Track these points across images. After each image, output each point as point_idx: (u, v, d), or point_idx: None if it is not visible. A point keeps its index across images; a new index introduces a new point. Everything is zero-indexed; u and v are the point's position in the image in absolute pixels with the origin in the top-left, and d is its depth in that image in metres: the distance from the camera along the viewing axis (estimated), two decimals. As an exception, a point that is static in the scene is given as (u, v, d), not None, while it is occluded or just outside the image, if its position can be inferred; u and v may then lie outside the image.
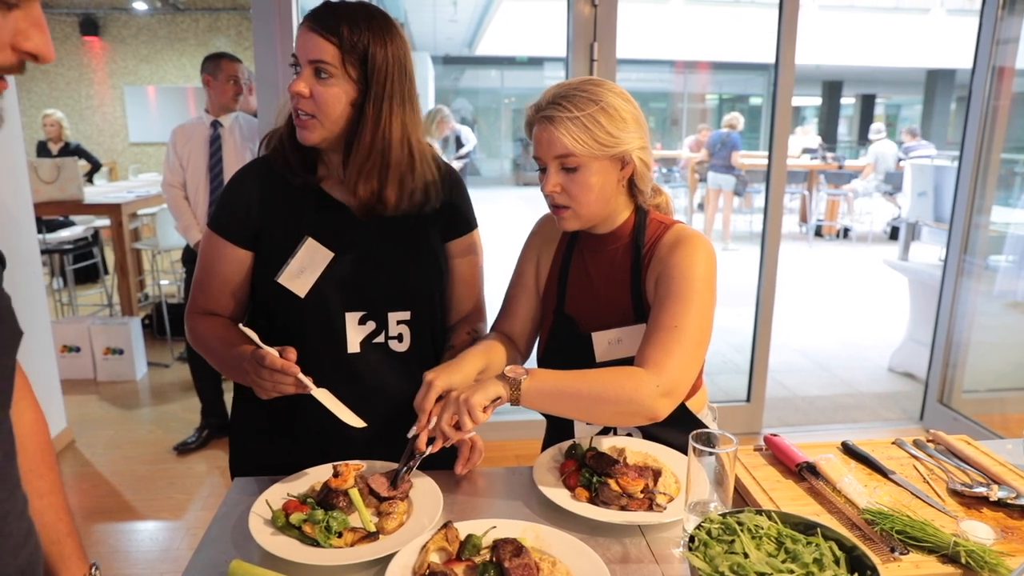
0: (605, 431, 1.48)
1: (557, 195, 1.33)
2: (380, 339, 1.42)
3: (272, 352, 1.20)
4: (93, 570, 1.03)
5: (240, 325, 1.25)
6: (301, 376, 1.21)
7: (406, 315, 1.43)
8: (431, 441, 1.25)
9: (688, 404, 1.42)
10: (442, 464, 1.38)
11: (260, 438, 1.49)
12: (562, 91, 1.31)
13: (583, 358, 1.42)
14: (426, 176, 1.39)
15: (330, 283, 1.36)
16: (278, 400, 1.37)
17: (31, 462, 1.00)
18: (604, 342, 1.42)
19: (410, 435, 1.27)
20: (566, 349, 1.26)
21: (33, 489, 0.98)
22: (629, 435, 1.47)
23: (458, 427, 1.22)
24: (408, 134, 1.34)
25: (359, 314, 1.39)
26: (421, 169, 1.37)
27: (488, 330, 1.58)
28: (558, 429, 1.52)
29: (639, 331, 1.36)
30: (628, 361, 1.31)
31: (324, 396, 1.26)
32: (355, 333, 1.39)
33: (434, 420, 1.24)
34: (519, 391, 1.22)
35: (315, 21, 1.26)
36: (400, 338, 1.44)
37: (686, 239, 1.34)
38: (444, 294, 1.54)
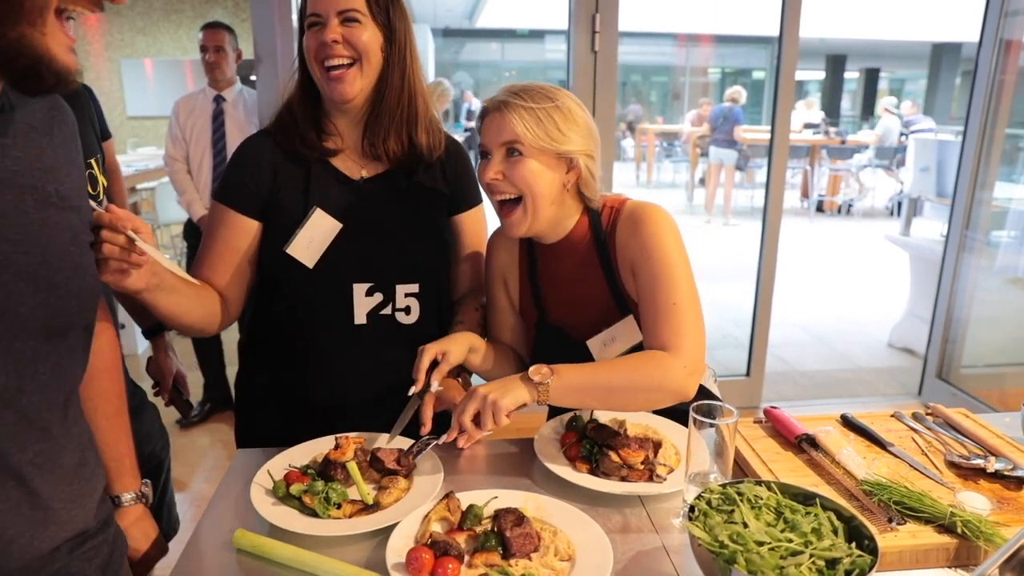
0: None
1: (499, 182, 1.31)
2: (387, 311, 1.42)
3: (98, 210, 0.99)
4: (143, 487, 1.19)
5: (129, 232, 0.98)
6: (132, 235, 0.97)
7: (414, 288, 1.43)
8: (440, 431, 1.27)
9: None
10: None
11: (266, 410, 1.50)
12: (519, 86, 1.32)
13: (575, 354, 1.40)
14: (440, 133, 1.45)
15: (338, 254, 1.36)
16: (284, 371, 1.39)
17: (100, 382, 1.08)
18: (599, 345, 1.41)
19: (409, 394, 1.28)
20: (561, 357, 1.27)
21: (100, 410, 1.08)
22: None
23: (478, 423, 1.23)
24: (424, 85, 1.38)
25: (366, 285, 1.39)
26: (436, 125, 1.43)
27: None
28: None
29: (629, 324, 1.37)
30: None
31: (160, 258, 1.11)
32: (362, 304, 1.39)
33: (434, 384, 1.26)
34: (548, 393, 1.22)
35: None
36: (408, 310, 1.44)
37: (642, 214, 1.34)
38: (449, 268, 1.54)
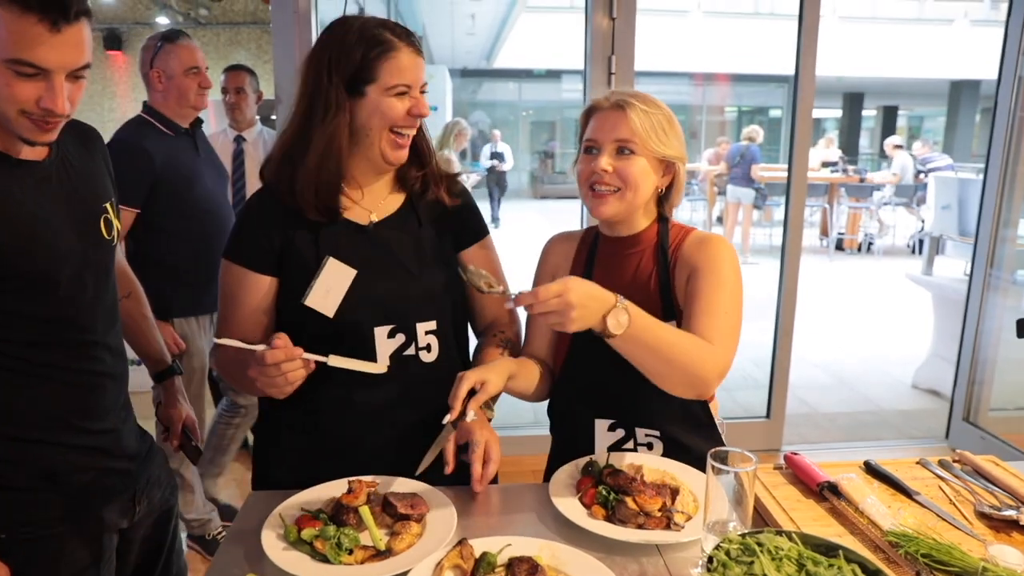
0: (620, 448, 1.46)
1: (607, 175, 1.39)
2: (411, 351, 1.42)
3: (263, 348, 1.18)
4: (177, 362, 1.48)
5: (216, 340, 1.23)
6: (307, 355, 1.18)
7: (432, 325, 1.43)
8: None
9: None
10: (456, 481, 1.37)
11: (285, 452, 1.48)
12: (631, 91, 1.43)
13: (615, 357, 1.38)
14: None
15: (357, 300, 1.36)
16: (305, 415, 1.40)
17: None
18: None
19: (444, 422, 1.24)
20: (598, 353, 1.25)
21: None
22: (650, 447, 1.45)
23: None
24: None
25: (388, 328, 1.39)
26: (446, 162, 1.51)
27: (519, 332, 1.59)
28: (567, 443, 1.52)
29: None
30: None
31: (338, 360, 1.25)
32: (384, 346, 1.39)
33: (470, 414, 1.23)
34: (627, 306, 1.19)
35: (414, 43, 1.36)
36: (429, 348, 1.43)
37: (712, 238, 1.43)
38: (460, 303, 1.53)
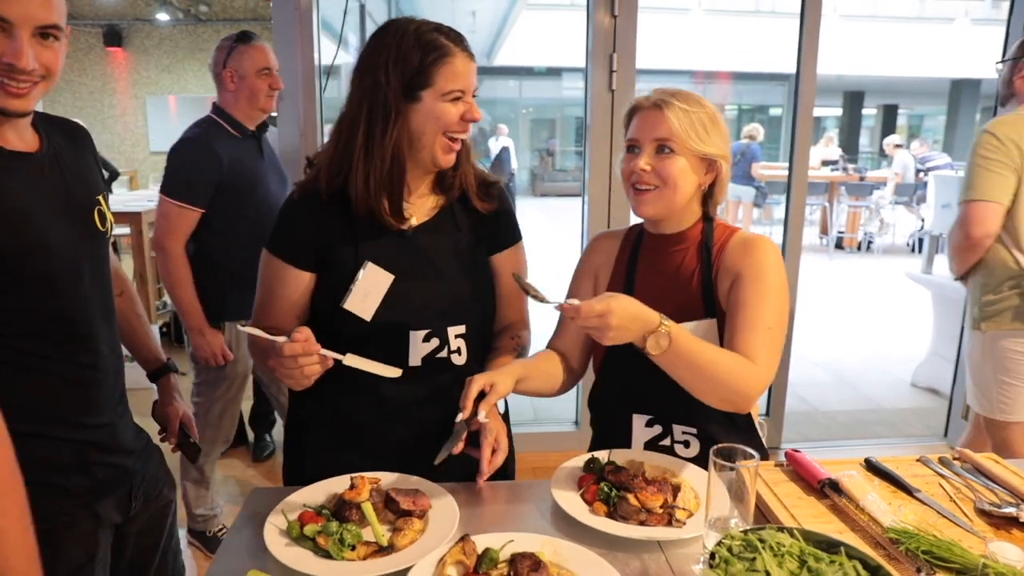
0: (657, 444, 1.47)
1: (646, 174, 1.39)
2: (443, 354, 1.44)
3: (284, 340, 1.20)
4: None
5: (239, 326, 1.24)
6: (324, 352, 1.20)
7: (462, 329, 1.46)
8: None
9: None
10: (460, 476, 1.38)
11: (315, 452, 1.50)
12: (672, 90, 1.42)
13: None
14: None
15: (394, 304, 1.38)
16: (336, 410, 1.44)
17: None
18: None
19: (457, 420, 1.26)
20: (631, 348, 1.28)
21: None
22: (686, 445, 1.46)
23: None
24: None
25: (423, 332, 1.41)
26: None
27: (530, 337, 1.61)
28: (605, 437, 1.54)
29: (710, 326, 1.40)
30: None
31: (353, 360, 1.26)
32: (418, 349, 1.42)
33: (481, 414, 1.25)
34: (670, 330, 1.23)
35: (468, 47, 1.36)
36: (459, 351, 1.46)
37: (757, 241, 1.42)
38: (491, 306, 1.56)
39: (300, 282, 1.42)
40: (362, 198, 1.35)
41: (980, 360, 2.40)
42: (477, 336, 1.50)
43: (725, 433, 1.42)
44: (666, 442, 1.47)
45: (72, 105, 10.50)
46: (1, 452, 0.89)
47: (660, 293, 1.44)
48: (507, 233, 1.56)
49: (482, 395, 1.27)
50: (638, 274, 1.52)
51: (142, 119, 10.93)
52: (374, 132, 1.33)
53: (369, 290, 1.36)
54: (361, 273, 1.36)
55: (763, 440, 1.48)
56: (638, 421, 1.48)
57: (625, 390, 1.50)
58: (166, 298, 6.07)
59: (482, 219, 1.51)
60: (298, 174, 2.79)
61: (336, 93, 3.15)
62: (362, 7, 4.98)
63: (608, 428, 1.56)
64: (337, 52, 3.34)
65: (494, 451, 1.34)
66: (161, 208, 2.46)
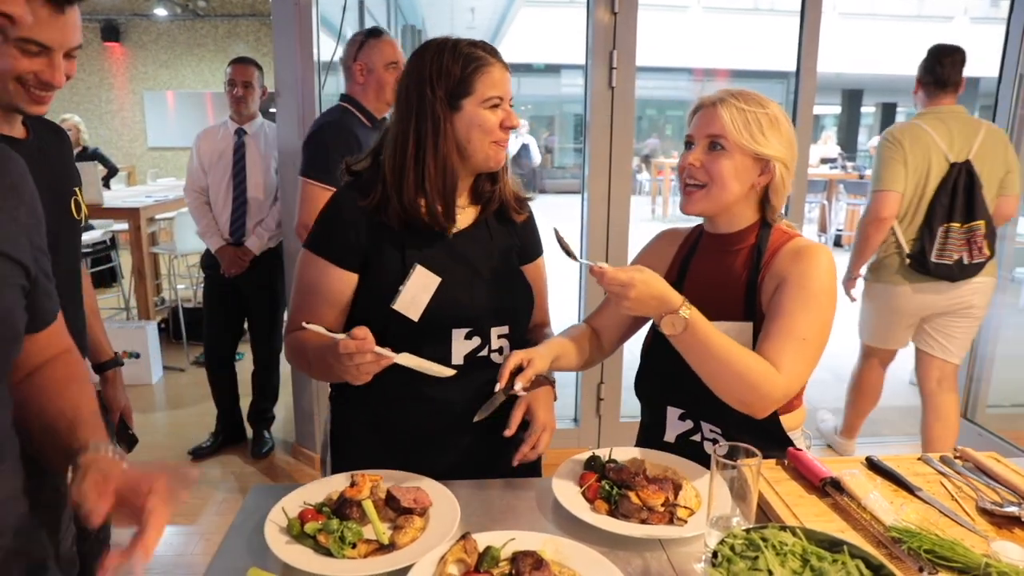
0: (688, 439, 1.48)
1: (695, 169, 1.40)
2: (484, 353, 1.48)
3: (343, 337, 1.22)
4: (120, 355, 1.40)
5: (304, 323, 1.26)
6: (379, 349, 1.22)
7: (505, 329, 1.51)
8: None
9: (783, 419, 1.41)
10: (462, 475, 1.38)
11: (357, 447, 1.54)
12: (737, 90, 1.41)
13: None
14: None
15: (439, 305, 1.42)
16: (379, 405, 1.49)
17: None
18: None
19: (496, 390, 1.32)
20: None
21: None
22: (714, 442, 1.44)
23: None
24: None
25: (465, 331, 1.45)
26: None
27: (553, 333, 1.63)
28: (646, 427, 1.57)
29: (744, 329, 1.39)
30: None
31: (407, 359, 1.27)
32: (460, 348, 1.46)
33: (517, 386, 1.30)
34: (689, 315, 1.25)
35: (502, 59, 1.42)
36: (500, 351, 1.50)
37: (810, 249, 1.39)
38: (530, 310, 1.61)
39: (343, 282, 1.44)
40: (413, 203, 1.40)
41: (869, 303, 3.27)
42: (519, 337, 1.55)
43: (752, 438, 1.38)
44: (696, 438, 1.47)
45: (69, 100, 10.46)
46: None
47: (705, 292, 1.44)
48: (534, 247, 1.64)
49: (520, 370, 1.32)
50: (690, 271, 1.53)
51: (140, 114, 10.90)
52: (424, 143, 1.39)
53: (417, 292, 1.41)
54: (411, 275, 1.40)
55: (803, 449, 1.46)
56: (672, 414, 1.49)
57: (662, 380, 1.50)
58: (164, 294, 6.07)
59: (513, 231, 1.57)
60: (297, 170, 2.77)
61: (335, 89, 3.14)
62: (361, 3, 4.97)
63: (648, 419, 1.57)
64: (336, 48, 3.33)
65: (534, 447, 1.37)
66: (304, 192, 2.49)
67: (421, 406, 1.47)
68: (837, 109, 19.08)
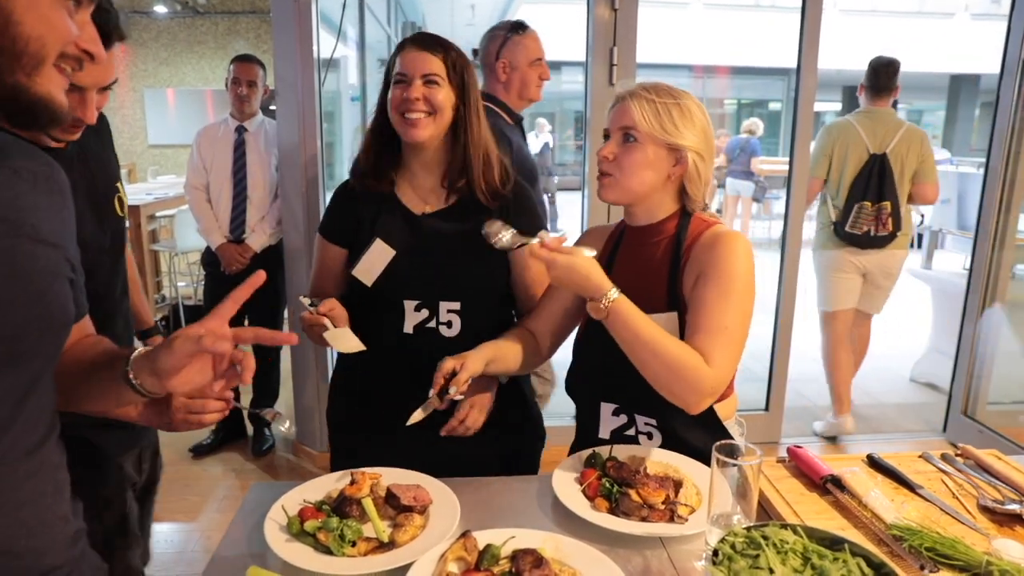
0: (622, 434, 1.46)
1: (608, 161, 1.43)
2: (432, 324, 1.60)
3: (307, 300, 1.49)
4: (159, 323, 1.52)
5: (300, 297, 1.51)
6: (318, 318, 1.47)
7: (455, 305, 1.60)
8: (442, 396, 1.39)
9: (716, 407, 1.40)
10: (460, 473, 1.38)
11: (340, 408, 1.77)
12: (651, 83, 1.45)
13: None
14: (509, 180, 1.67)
15: (393, 275, 1.60)
16: (351, 370, 1.73)
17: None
18: None
19: (430, 395, 1.39)
20: (602, 334, 1.32)
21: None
22: (649, 436, 1.45)
23: None
24: (488, 137, 1.62)
25: (415, 302, 1.60)
26: (505, 171, 1.65)
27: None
28: (580, 425, 1.55)
29: (671, 319, 1.39)
30: None
31: (329, 334, 1.47)
32: (411, 318, 1.60)
33: (452, 390, 1.36)
34: (613, 299, 1.28)
35: (422, 43, 1.54)
36: (450, 324, 1.61)
37: (725, 237, 1.40)
38: (494, 292, 1.67)
39: (334, 256, 1.68)
40: (367, 174, 1.63)
41: (818, 270, 3.87)
42: (473, 314, 1.62)
43: (686, 428, 1.41)
44: (631, 432, 1.47)
45: (69, 98, 10.42)
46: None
47: (629, 284, 1.42)
48: (525, 229, 1.61)
49: (454, 374, 1.38)
50: (616, 265, 1.53)
51: (140, 112, 10.89)
52: (374, 122, 1.64)
53: (374, 262, 1.60)
54: (371, 246, 1.60)
55: (736, 438, 1.46)
56: (605, 409, 1.49)
57: (593, 375, 1.51)
58: (165, 292, 6.07)
59: (502, 214, 1.58)
60: (297, 168, 2.78)
61: (335, 86, 3.13)
62: (361, 0, 4.96)
63: (580, 416, 1.57)
64: (336, 45, 3.33)
65: (462, 421, 1.50)
66: None
67: (379, 371, 1.63)
68: (838, 106, 19.02)
